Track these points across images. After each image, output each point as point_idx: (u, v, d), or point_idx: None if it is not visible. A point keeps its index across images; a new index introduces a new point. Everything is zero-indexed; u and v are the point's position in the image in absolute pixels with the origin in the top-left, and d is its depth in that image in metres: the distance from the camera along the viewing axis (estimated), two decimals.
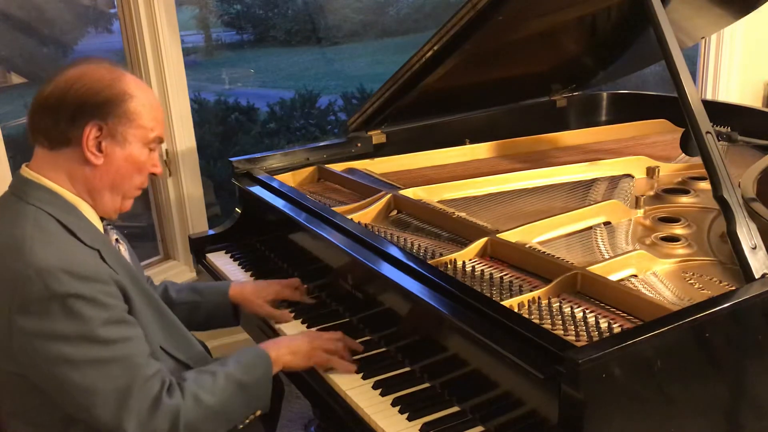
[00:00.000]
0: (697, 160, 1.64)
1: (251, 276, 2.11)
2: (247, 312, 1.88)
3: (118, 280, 1.36)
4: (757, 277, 1.43)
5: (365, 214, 2.02)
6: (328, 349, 1.59)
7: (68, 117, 1.36)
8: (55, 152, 1.39)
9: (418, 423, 1.40)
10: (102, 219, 1.47)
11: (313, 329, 1.76)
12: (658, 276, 1.62)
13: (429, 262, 1.66)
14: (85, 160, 1.38)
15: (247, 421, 1.50)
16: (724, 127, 1.79)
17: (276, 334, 1.80)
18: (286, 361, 1.56)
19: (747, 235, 1.49)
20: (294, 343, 1.59)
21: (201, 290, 1.88)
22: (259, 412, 1.51)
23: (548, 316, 1.44)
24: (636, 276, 1.61)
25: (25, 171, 1.41)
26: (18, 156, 2.41)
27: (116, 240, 1.54)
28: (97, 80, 1.38)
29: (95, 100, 1.36)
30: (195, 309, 1.84)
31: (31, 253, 1.28)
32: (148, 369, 1.34)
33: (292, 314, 1.85)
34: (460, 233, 1.87)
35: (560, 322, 1.42)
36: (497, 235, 1.75)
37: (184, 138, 2.88)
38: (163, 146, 1.46)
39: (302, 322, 1.81)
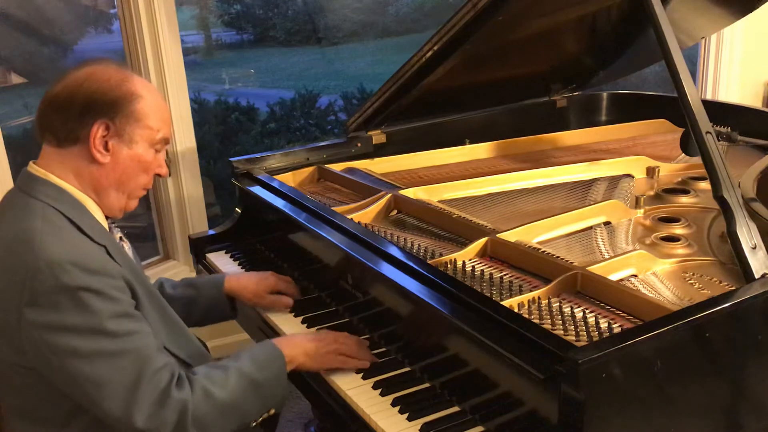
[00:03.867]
0: (697, 160, 1.64)
1: None
2: (246, 303, 1.88)
3: (124, 276, 1.37)
4: (757, 277, 1.43)
5: (365, 214, 2.02)
6: (341, 350, 1.57)
7: (76, 115, 1.37)
8: (62, 150, 1.40)
9: (418, 423, 1.40)
10: (106, 218, 1.48)
11: (314, 329, 1.76)
12: (658, 276, 1.62)
13: (429, 262, 1.66)
14: (92, 158, 1.39)
15: (260, 419, 1.50)
16: (724, 127, 1.79)
17: (275, 332, 1.80)
18: (300, 362, 1.55)
19: (747, 235, 1.49)
20: (309, 345, 1.57)
21: (197, 284, 1.88)
22: (272, 411, 1.51)
23: (548, 316, 1.44)
24: (636, 276, 1.61)
25: (33, 168, 1.42)
26: (18, 156, 2.41)
27: (120, 238, 1.54)
28: (106, 80, 1.39)
29: (104, 99, 1.38)
30: (192, 304, 1.83)
31: (42, 247, 1.28)
32: (157, 362, 1.35)
33: (289, 308, 1.85)
34: (460, 233, 1.87)
35: (560, 322, 1.42)
36: (497, 235, 1.75)
37: (184, 138, 2.88)
38: None
39: (302, 322, 1.81)
